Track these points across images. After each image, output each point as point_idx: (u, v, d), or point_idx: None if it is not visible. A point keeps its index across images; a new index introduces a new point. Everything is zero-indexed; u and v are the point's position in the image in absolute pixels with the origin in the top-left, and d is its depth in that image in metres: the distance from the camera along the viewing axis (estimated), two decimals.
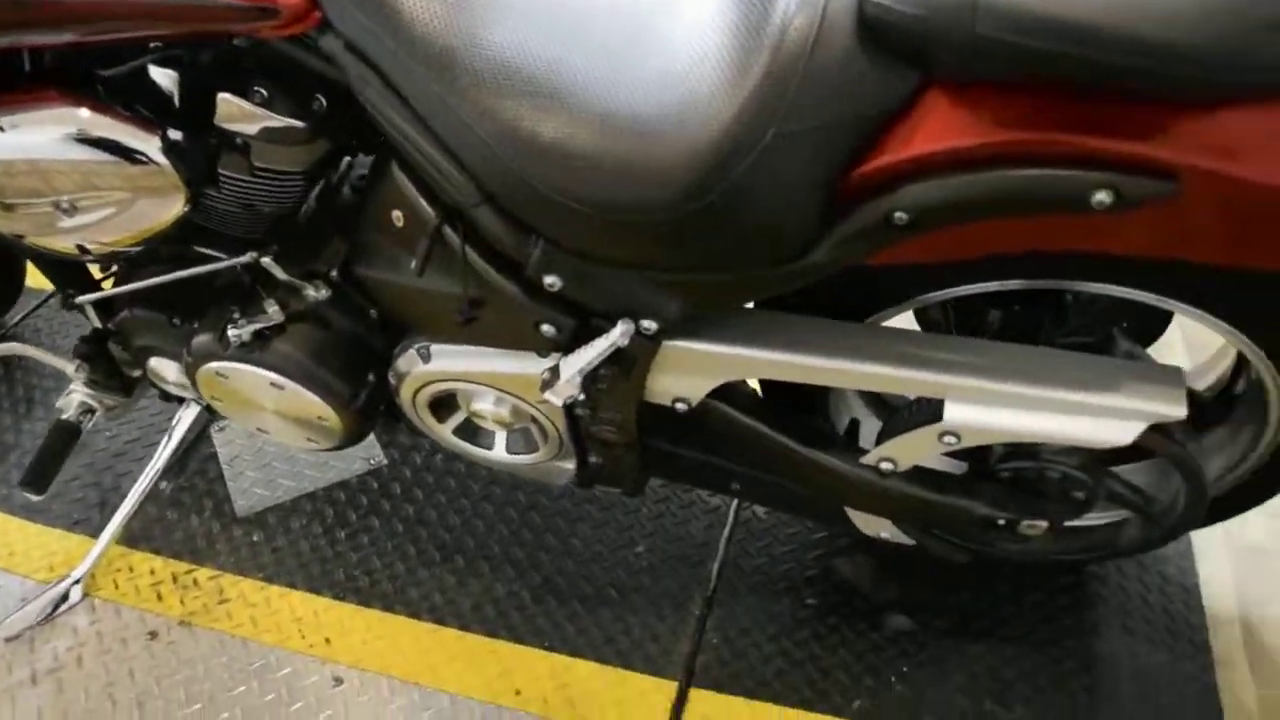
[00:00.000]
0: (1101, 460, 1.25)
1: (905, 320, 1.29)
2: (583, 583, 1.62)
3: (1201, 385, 1.43)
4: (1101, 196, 0.90)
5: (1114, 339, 1.24)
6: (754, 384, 1.35)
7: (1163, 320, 1.32)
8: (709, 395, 1.25)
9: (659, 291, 1.11)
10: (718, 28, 0.97)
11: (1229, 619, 1.60)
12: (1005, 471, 1.27)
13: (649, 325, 1.14)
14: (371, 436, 1.81)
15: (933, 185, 0.93)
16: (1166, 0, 0.80)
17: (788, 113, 0.92)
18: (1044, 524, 1.28)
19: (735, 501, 1.73)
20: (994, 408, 1.14)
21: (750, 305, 1.23)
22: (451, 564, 1.65)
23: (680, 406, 1.26)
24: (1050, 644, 1.54)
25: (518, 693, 1.50)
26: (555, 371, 1.17)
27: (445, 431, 1.43)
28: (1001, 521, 1.28)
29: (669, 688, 1.50)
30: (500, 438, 1.44)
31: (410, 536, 1.69)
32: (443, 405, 1.40)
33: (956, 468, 1.36)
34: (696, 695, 1.49)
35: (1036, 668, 1.52)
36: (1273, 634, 1.58)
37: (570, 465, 1.42)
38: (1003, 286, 1.15)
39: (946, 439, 1.18)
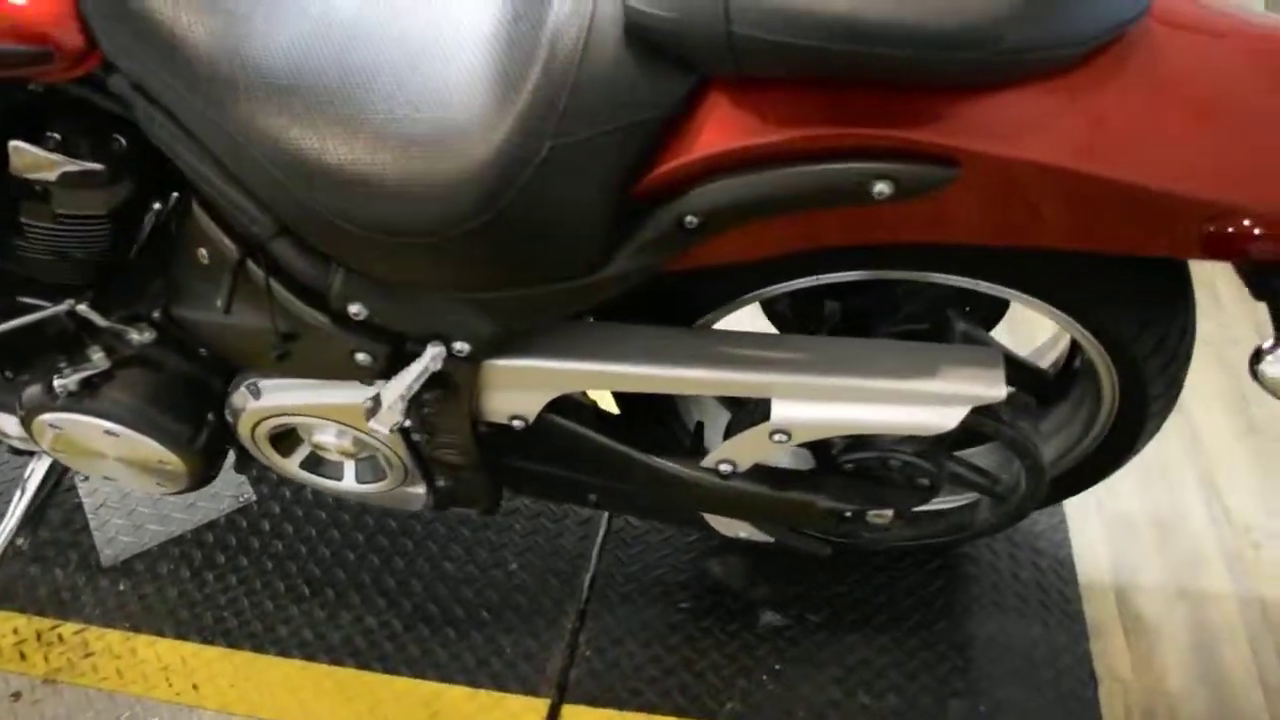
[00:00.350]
0: (942, 445, 1.26)
1: (754, 316, 1.28)
2: (455, 606, 1.60)
3: (1045, 363, 1.44)
4: (881, 187, 0.90)
5: (950, 323, 1.25)
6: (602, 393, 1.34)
7: (1001, 303, 1.33)
8: (545, 410, 1.24)
9: (465, 312, 1.09)
10: (489, 41, 0.96)
11: (1102, 588, 1.62)
12: (848, 464, 1.27)
13: (461, 347, 1.13)
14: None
15: (718, 186, 0.93)
16: None
17: (561, 124, 0.91)
18: (890, 513, 1.28)
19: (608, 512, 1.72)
20: (818, 402, 1.14)
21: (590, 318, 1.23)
22: (322, 597, 1.62)
23: (518, 424, 1.25)
24: (922, 628, 1.55)
25: None
26: (377, 400, 1.15)
27: (292, 466, 1.40)
28: (848, 513, 1.28)
29: (542, 706, 1.48)
30: (349, 468, 1.41)
31: (280, 573, 1.66)
32: (286, 439, 1.38)
33: (808, 463, 1.36)
34: (569, 711, 1.48)
35: (908, 654, 1.52)
36: (1145, 600, 1.60)
37: (422, 490, 1.40)
38: (818, 281, 1.15)
39: (777, 437, 1.18)
